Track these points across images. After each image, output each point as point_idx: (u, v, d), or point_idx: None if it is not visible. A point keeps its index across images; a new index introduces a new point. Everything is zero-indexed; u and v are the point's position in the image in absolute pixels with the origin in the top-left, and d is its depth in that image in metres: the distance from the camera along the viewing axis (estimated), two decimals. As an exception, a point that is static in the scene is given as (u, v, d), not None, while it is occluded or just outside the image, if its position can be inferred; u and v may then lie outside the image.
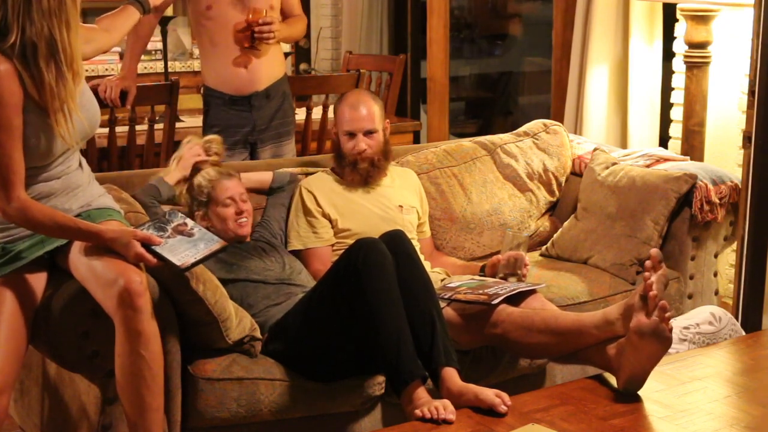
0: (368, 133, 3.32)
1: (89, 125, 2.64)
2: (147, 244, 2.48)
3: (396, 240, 2.78)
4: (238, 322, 2.72)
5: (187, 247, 2.54)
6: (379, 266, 2.64)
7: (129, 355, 2.42)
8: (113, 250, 2.47)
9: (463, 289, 2.97)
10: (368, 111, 3.32)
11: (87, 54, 2.92)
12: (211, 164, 3.24)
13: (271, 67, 3.92)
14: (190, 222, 2.64)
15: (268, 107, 3.93)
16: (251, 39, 3.78)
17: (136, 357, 2.42)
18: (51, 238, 2.58)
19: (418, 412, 2.44)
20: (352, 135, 3.32)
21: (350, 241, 2.96)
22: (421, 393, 2.51)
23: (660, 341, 2.45)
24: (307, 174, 3.46)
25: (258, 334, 2.78)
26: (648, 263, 2.54)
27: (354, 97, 3.38)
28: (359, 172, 3.33)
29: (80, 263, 2.51)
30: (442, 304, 2.85)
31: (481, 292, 2.91)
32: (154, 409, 2.48)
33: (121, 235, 2.48)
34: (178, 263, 2.49)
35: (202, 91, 4.01)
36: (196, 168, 3.22)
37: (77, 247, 2.54)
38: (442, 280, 3.20)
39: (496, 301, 2.82)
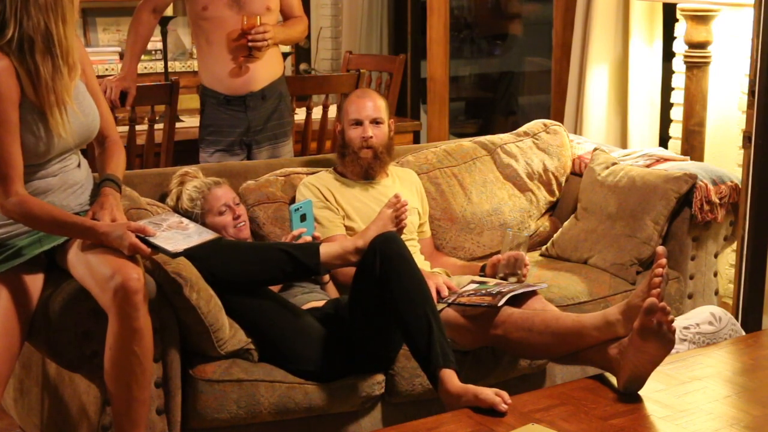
0: (375, 122, 3.33)
1: (88, 129, 2.65)
2: (141, 236, 2.48)
3: (389, 242, 2.75)
4: (233, 335, 2.71)
5: (180, 238, 2.54)
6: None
7: (121, 350, 2.43)
8: (109, 247, 2.48)
9: (465, 291, 2.97)
10: (374, 103, 3.37)
11: None
12: (192, 176, 3.23)
13: (267, 67, 3.91)
14: (185, 221, 2.64)
15: (263, 108, 3.92)
16: (247, 48, 3.77)
17: (129, 353, 2.43)
18: (48, 238, 2.59)
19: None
20: (359, 123, 3.34)
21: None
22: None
23: (663, 343, 2.44)
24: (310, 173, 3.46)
25: (253, 346, 2.77)
26: (663, 261, 2.50)
27: (360, 91, 3.50)
28: (360, 163, 3.32)
29: (78, 261, 2.52)
30: (440, 306, 2.85)
31: (484, 292, 2.90)
32: (141, 402, 2.49)
33: (114, 228, 2.48)
34: (170, 249, 2.49)
35: (199, 91, 4.01)
36: (181, 182, 3.21)
37: (76, 245, 2.55)
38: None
39: (501, 303, 2.82)
